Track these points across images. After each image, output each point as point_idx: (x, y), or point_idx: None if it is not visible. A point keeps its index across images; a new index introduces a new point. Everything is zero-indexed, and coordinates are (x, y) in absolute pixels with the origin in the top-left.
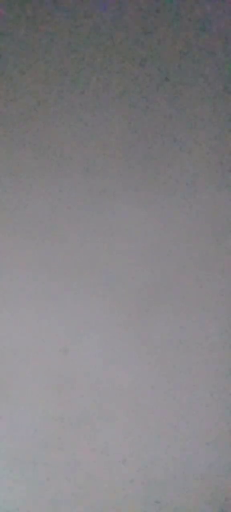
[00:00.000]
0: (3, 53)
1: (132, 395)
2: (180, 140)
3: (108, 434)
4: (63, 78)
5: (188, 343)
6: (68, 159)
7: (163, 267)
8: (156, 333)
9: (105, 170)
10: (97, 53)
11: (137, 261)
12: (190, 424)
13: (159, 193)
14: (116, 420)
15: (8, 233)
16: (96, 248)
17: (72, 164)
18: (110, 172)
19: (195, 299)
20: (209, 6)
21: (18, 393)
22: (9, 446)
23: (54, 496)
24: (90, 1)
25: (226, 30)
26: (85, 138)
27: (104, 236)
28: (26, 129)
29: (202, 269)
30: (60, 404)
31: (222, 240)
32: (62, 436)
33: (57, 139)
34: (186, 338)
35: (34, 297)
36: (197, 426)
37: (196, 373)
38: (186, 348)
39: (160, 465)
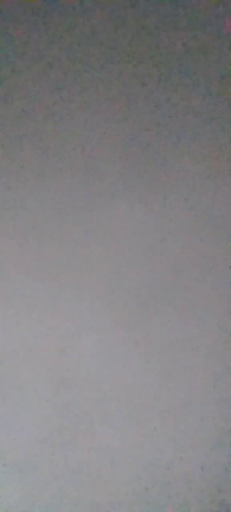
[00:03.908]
0: (3, 53)
1: (131, 394)
2: (179, 140)
3: (108, 434)
4: (63, 78)
5: (187, 342)
6: (68, 159)
7: (162, 267)
8: (155, 333)
9: (105, 170)
10: (97, 53)
11: (136, 261)
12: (189, 424)
13: (158, 193)
14: (115, 420)
15: (7, 233)
16: (96, 248)
17: (72, 164)
18: (110, 172)
19: (194, 299)
20: (209, 6)
21: (18, 393)
22: (9, 446)
23: (54, 496)
24: (90, 1)
25: (226, 30)
26: (85, 138)
27: (103, 236)
28: (26, 129)
29: (201, 269)
30: (59, 404)
31: (222, 240)
32: (62, 436)
33: (57, 139)
34: (185, 338)
35: (33, 297)
36: (197, 426)
37: (196, 373)
38: (185, 347)
39: (159, 465)
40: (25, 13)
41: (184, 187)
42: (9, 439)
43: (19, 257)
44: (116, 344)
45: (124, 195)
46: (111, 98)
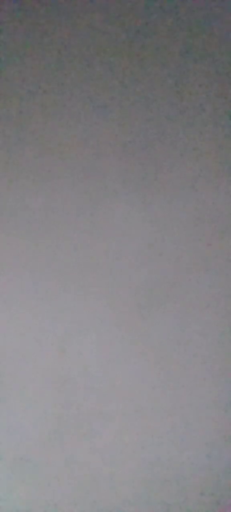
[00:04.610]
0: (3, 53)
1: (131, 395)
2: (179, 140)
3: (108, 434)
4: (63, 78)
5: (187, 342)
6: (68, 159)
7: (162, 267)
8: (155, 333)
9: (105, 170)
10: (97, 53)
11: (136, 261)
12: (189, 424)
13: (158, 194)
14: (115, 420)
15: (7, 233)
16: (96, 248)
17: (71, 164)
18: (110, 173)
19: (194, 299)
20: (209, 6)
21: (18, 393)
22: (9, 446)
23: (54, 496)
24: (90, 1)
25: (226, 30)
26: (85, 138)
27: (103, 236)
28: (25, 129)
29: (201, 269)
30: (59, 404)
31: (221, 240)
32: (62, 436)
33: (57, 139)
34: (185, 338)
35: (32, 297)
36: (196, 426)
37: (195, 373)
38: (185, 347)
39: (159, 465)
40: (25, 13)
41: (184, 187)
42: (9, 439)
43: (18, 257)
44: (116, 344)
45: (124, 195)
46: (111, 98)
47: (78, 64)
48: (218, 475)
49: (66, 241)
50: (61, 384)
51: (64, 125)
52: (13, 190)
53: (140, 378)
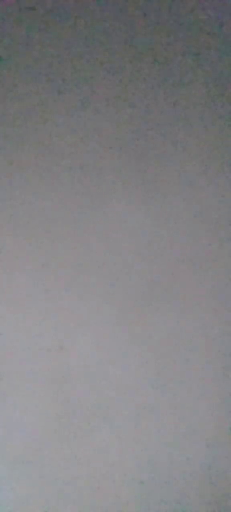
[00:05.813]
0: (3, 53)
1: (130, 394)
2: (179, 139)
3: (108, 434)
4: (62, 77)
5: (186, 341)
6: (67, 159)
7: (161, 265)
8: (154, 332)
9: (104, 170)
10: (97, 53)
11: (135, 260)
12: (189, 424)
13: (157, 192)
14: (114, 420)
15: (5, 233)
16: (95, 246)
17: (70, 164)
18: (109, 172)
19: (193, 297)
20: (209, 6)
21: (17, 391)
22: (8, 446)
23: (54, 496)
24: (90, 0)
25: (226, 30)
26: (84, 138)
27: (102, 235)
28: (24, 128)
29: (200, 268)
30: (59, 402)
31: (220, 239)
32: (62, 435)
33: (56, 139)
34: (185, 337)
35: (31, 296)
36: (196, 425)
37: (195, 372)
38: (184, 346)
39: (159, 465)
40: (25, 13)
41: (183, 186)
42: (8, 438)
43: (17, 256)
44: (115, 342)
45: (123, 194)
46: (110, 97)
47: (78, 64)
48: (218, 475)
49: (66, 239)
50: (61, 383)
51: (64, 124)
52: (12, 190)
53: (140, 377)
